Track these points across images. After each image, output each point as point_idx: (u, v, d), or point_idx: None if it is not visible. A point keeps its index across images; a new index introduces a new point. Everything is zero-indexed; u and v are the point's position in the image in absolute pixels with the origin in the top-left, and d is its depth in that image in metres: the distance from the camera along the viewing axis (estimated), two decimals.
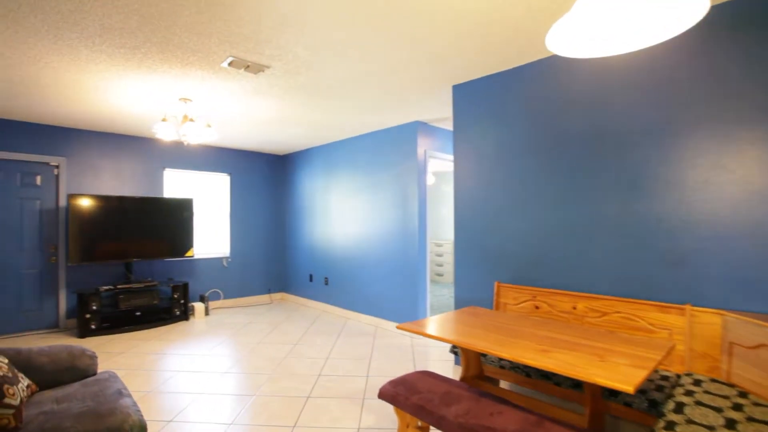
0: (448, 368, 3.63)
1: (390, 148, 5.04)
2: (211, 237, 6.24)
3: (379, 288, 5.14)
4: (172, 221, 5.41)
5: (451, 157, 5.18)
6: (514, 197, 3.07)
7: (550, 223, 2.85)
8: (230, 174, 6.38)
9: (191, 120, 3.78)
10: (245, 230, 6.54)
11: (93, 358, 2.21)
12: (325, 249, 6.04)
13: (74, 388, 1.97)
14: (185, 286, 5.36)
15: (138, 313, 5.00)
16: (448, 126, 4.99)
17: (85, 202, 4.77)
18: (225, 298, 6.25)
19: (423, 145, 4.77)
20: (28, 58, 2.95)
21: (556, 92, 2.85)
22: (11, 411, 1.64)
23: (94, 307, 4.62)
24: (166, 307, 5.19)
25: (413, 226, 4.72)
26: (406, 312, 4.79)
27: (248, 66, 3.08)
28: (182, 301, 5.32)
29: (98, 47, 2.77)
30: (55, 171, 4.92)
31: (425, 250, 4.74)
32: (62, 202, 4.90)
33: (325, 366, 3.72)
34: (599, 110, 2.62)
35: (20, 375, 1.86)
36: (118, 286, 4.83)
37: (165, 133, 3.84)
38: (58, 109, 4.21)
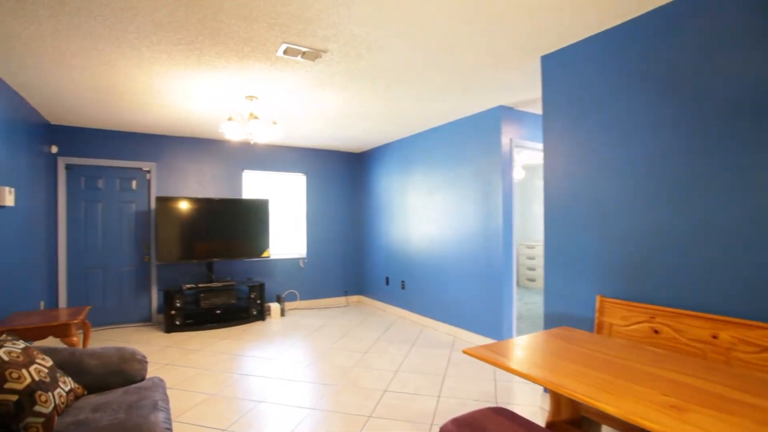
0: (536, 397, 3.04)
1: (469, 139, 4.52)
2: (288, 238, 6.28)
3: (458, 294, 4.66)
4: (249, 222, 5.50)
5: (542, 146, 4.50)
6: (626, 188, 2.40)
7: (680, 221, 2.15)
8: (306, 174, 6.36)
9: (256, 117, 3.69)
10: (321, 231, 6.48)
11: (142, 362, 2.12)
12: (402, 251, 5.70)
13: (116, 395, 1.86)
14: (261, 286, 5.41)
15: (218, 312, 5.15)
16: (538, 110, 4.33)
17: (170, 204, 5.02)
18: (301, 299, 6.25)
19: (508, 133, 4.19)
20: (103, 65, 3.05)
21: (692, 46, 2.14)
22: (41, 420, 1.54)
23: (178, 305, 4.83)
24: (243, 306, 5.29)
25: (496, 226, 4.16)
26: (488, 322, 4.25)
27: (304, 53, 2.84)
28: (259, 301, 5.38)
29: (156, 46, 2.74)
30: (147, 176, 5.27)
31: (511, 252, 4.15)
32: (153, 205, 5.22)
33: (393, 380, 3.36)
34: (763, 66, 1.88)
35: (63, 379, 1.78)
36: (200, 285, 5.01)
37: (232, 133, 3.81)
38: (143, 116, 4.45)
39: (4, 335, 1.78)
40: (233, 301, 5.18)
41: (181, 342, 4.43)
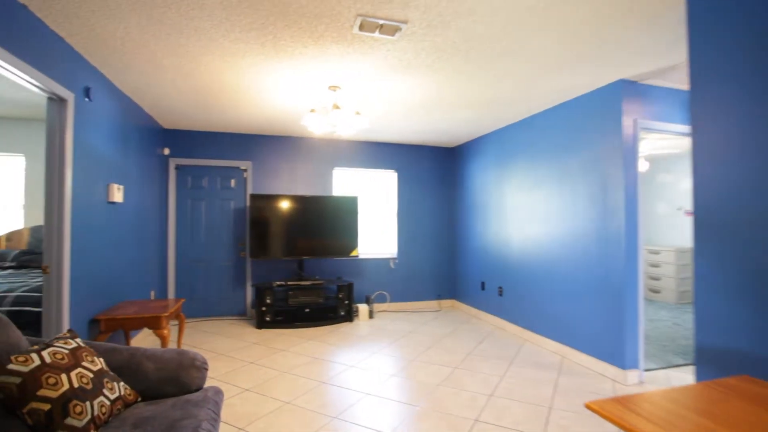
0: None
1: (582, 123, 3.76)
2: (378, 237, 6.05)
3: (566, 306, 3.92)
4: (338, 220, 5.38)
5: (678, 128, 3.54)
6: None
7: None
8: (397, 170, 6.07)
9: (338, 108, 3.46)
10: (413, 230, 6.13)
11: (201, 370, 1.96)
12: (500, 253, 5.07)
13: (164, 407, 1.70)
14: (350, 286, 5.24)
15: (307, 310, 5.11)
16: (672, 83, 3.40)
17: (263, 202, 5.11)
18: (391, 300, 5.96)
19: (631, 113, 3.36)
20: (191, 62, 3.06)
21: None
22: None
23: (269, 301, 4.88)
24: (331, 306, 5.17)
25: (616, 227, 3.36)
26: (606, 343, 3.46)
27: (381, 26, 2.49)
28: (347, 302, 5.21)
29: (230, 34, 2.63)
30: (245, 174, 5.46)
31: (636, 259, 3.32)
32: (248, 202, 5.39)
33: (486, 407, 2.84)
34: None
35: (111, 385, 1.66)
36: (289, 282, 5.01)
37: (315, 125, 3.64)
38: (238, 116, 4.55)
39: (69, 332, 1.72)
40: (321, 301, 5.09)
41: (268, 339, 4.43)
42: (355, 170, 5.92)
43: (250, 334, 4.65)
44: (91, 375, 1.55)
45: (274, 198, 5.15)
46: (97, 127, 3.24)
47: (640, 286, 3.34)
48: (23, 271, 4.09)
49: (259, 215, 5.07)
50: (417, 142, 6.00)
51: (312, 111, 3.56)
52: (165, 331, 3.23)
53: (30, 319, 2.89)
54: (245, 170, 5.46)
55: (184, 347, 4.11)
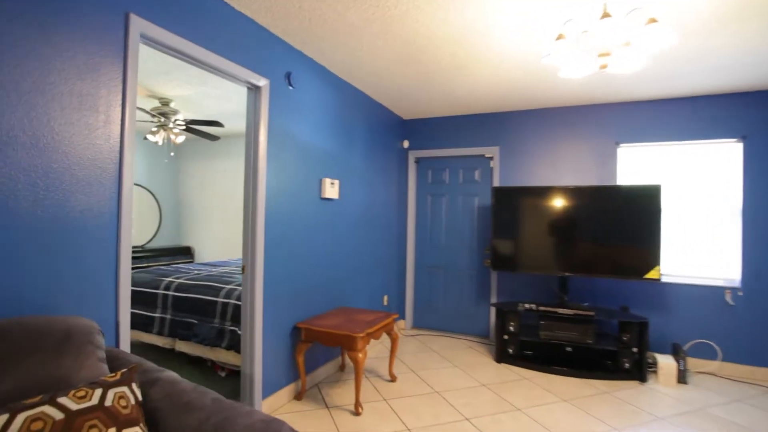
0: None
1: None
2: (697, 250, 3.72)
3: None
4: (627, 221, 3.54)
5: None
6: None
7: None
8: (744, 139, 3.57)
9: (608, 15, 1.91)
10: None
11: None
12: None
13: None
14: (642, 325, 3.33)
15: (568, 349, 3.57)
16: None
17: (510, 196, 3.89)
18: (724, 359, 3.53)
19: None
20: (383, 19, 2.30)
21: None
22: None
23: (512, 328, 3.65)
24: (608, 351, 3.44)
25: None
26: None
27: None
28: (635, 349, 3.33)
29: None
30: (491, 163, 4.41)
31: None
32: (492, 198, 4.30)
33: None
34: None
35: None
36: (541, 307, 3.60)
37: (570, 63, 2.20)
38: (468, 87, 3.56)
39: (133, 367, 1.21)
40: (590, 340, 3.43)
41: (504, 384, 3.22)
42: (656, 145, 3.84)
43: (483, 367, 3.57)
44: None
45: (526, 192, 3.85)
46: (303, 117, 2.96)
47: None
48: None
49: (504, 214, 3.91)
50: None
51: (560, 37, 2.13)
52: (359, 355, 2.61)
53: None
54: (491, 158, 4.40)
55: (397, 369, 3.47)
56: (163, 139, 4.48)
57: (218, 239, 6.22)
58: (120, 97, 1.71)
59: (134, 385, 1.16)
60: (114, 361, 1.41)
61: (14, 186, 1.39)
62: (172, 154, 5.36)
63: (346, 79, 3.47)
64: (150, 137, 4.36)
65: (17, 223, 1.39)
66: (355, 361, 2.61)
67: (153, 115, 4.20)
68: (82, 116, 1.58)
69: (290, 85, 2.78)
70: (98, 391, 1.06)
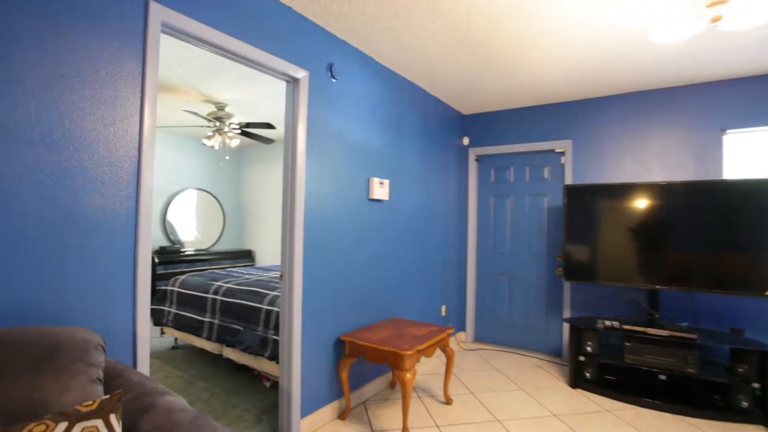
0: None
1: None
2: None
3: None
4: (735, 224, 2.88)
5: None
6: None
7: None
8: None
9: None
10: None
11: None
12: None
13: None
14: (765, 354, 2.66)
15: (662, 377, 2.97)
16: None
17: (585, 196, 3.37)
18: None
19: None
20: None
21: None
22: None
23: (589, 348, 3.13)
24: (715, 383, 2.80)
25: None
26: None
27: None
28: (756, 385, 2.66)
29: None
30: (562, 159, 3.89)
31: None
32: (565, 198, 3.78)
33: None
34: None
35: None
36: (626, 326, 3.04)
37: (669, 27, 1.75)
38: (533, 72, 3.12)
39: (117, 393, 1.04)
40: (692, 369, 2.81)
41: (580, 416, 2.73)
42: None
43: (554, 392, 3.09)
44: None
45: (605, 190, 3.31)
46: (348, 111, 2.74)
47: None
48: None
49: (579, 216, 3.40)
50: None
51: None
52: (407, 375, 2.31)
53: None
54: (562, 153, 3.89)
55: (454, 389, 3.11)
56: (219, 144, 4.55)
57: (276, 243, 6.26)
58: (139, 90, 1.59)
59: (113, 417, 0.97)
60: (114, 380, 1.26)
61: (20, 184, 1.29)
62: (227, 157, 5.47)
63: (394, 69, 3.21)
64: (206, 141, 4.44)
65: (24, 225, 1.30)
66: (402, 382, 2.31)
67: (209, 120, 4.26)
68: (96, 111, 1.47)
69: (333, 77, 2.58)
70: (62, 426, 0.88)
